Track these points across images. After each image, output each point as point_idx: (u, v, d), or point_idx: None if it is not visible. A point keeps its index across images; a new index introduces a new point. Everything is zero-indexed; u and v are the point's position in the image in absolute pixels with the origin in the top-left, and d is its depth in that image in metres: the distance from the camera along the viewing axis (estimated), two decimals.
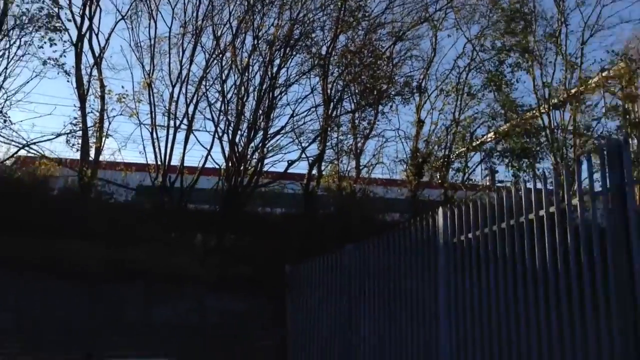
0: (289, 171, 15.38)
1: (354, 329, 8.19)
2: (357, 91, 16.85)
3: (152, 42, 14.99)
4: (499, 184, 18.24)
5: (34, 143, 13.75)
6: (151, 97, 14.48)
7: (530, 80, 18.29)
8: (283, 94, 15.29)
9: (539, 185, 5.52)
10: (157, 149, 14.15)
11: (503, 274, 5.66)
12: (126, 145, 22.49)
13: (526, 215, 5.52)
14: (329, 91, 16.03)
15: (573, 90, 17.31)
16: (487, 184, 19.46)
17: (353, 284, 8.34)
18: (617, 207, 4.67)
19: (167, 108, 14.46)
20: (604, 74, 17.77)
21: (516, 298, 5.47)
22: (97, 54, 14.90)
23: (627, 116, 17.31)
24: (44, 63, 14.07)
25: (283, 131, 14.85)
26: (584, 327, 4.72)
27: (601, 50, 23.30)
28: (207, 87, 14.64)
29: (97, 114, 14.56)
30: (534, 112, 17.72)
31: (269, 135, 14.64)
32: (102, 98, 14.59)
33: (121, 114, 14.68)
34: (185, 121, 14.29)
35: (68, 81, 14.36)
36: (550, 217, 5.29)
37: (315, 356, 9.23)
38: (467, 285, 6.13)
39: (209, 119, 14.68)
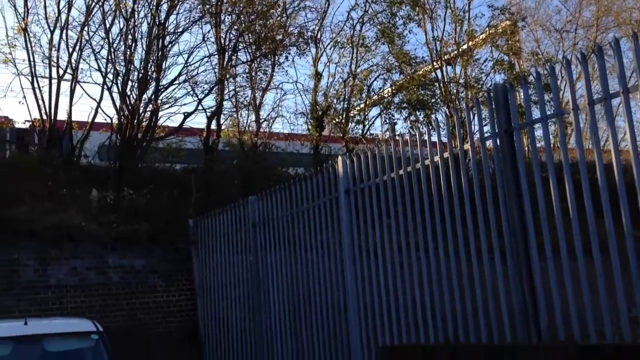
0: (187, 125, 14.99)
1: (262, 278, 8.29)
2: (251, 41, 16.57)
3: None
4: (396, 136, 18.87)
5: None
6: (28, 42, 13.40)
7: (422, 33, 18.88)
8: (174, 43, 14.76)
9: (434, 136, 5.72)
10: (40, 101, 13.25)
11: (403, 218, 5.91)
12: (5, 95, 20.72)
13: (422, 162, 5.75)
14: (222, 40, 15.66)
15: (463, 45, 18.04)
16: (387, 136, 20.10)
17: (259, 234, 8.39)
18: (506, 151, 4.94)
19: (46, 55, 13.49)
20: (490, 31, 18.63)
21: (417, 241, 5.75)
22: None
23: (512, 69, 18.34)
24: None
25: (177, 81, 14.38)
26: (481, 268, 5.03)
27: (486, 5, 24.34)
28: (91, 34, 13.80)
29: None
30: (427, 65, 18.34)
31: (161, 86, 14.11)
32: None
33: None
34: (69, 70, 13.45)
35: None
36: (444, 163, 5.55)
37: (226, 308, 9.27)
38: (369, 230, 6.36)
39: (95, 69, 13.88)
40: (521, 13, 19.73)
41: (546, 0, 24.70)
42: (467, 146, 5.40)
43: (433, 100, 17.79)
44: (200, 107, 15.13)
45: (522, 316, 4.60)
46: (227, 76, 15.79)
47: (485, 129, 5.81)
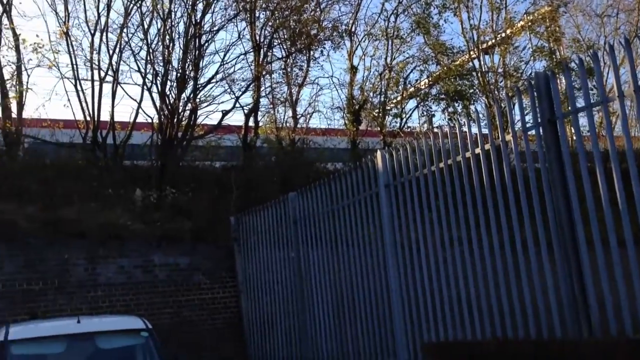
0: (225, 123, 15.17)
1: (305, 274, 8.34)
2: (286, 37, 16.66)
3: None
4: (435, 128, 18.67)
5: None
6: (70, 46, 13.74)
7: (458, 22, 18.63)
8: (210, 41, 14.93)
9: (474, 127, 5.65)
10: (83, 103, 13.60)
11: (445, 212, 5.85)
12: (50, 99, 21.39)
13: (463, 155, 5.68)
14: (257, 37, 15.79)
15: (501, 34, 17.72)
16: (425, 129, 19.91)
17: (300, 230, 8.44)
18: (550, 141, 4.83)
19: (87, 58, 13.82)
20: (529, 17, 18.24)
21: (459, 235, 5.68)
22: (5, 1, 13.81)
23: (553, 56, 17.92)
24: None
25: (214, 80, 14.56)
26: (528, 262, 4.95)
27: None
28: (130, 36, 14.08)
29: (14, 66, 13.71)
30: (464, 55, 18.09)
31: (199, 85, 14.31)
32: (17, 48, 13.70)
33: (39, 66, 13.92)
34: (110, 72, 13.74)
35: None
36: (485, 154, 5.47)
37: (269, 304, 9.36)
38: (411, 224, 6.32)
39: (135, 70, 14.17)
40: None
41: None
42: (508, 137, 5.31)
43: (471, 90, 17.54)
44: (237, 105, 15.33)
45: (571, 310, 4.51)
46: (264, 73, 15.91)
47: (527, 118, 5.74)
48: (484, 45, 18.14)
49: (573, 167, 4.67)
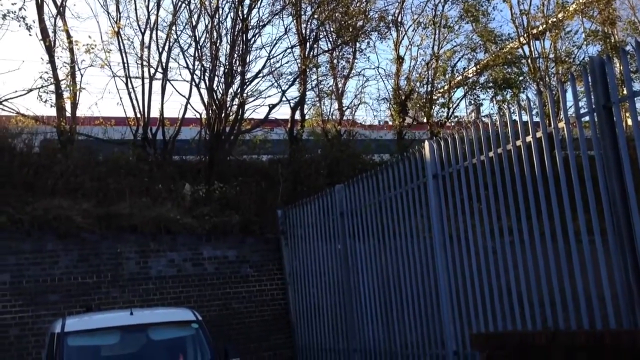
0: (272, 116, 15.24)
1: (352, 266, 8.32)
2: (332, 29, 16.60)
3: None
4: (484, 117, 18.29)
5: (6, 100, 13.30)
6: (121, 45, 14.02)
7: (507, 8, 18.15)
8: (257, 36, 14.98)
9: (525, 115, 5.49)
10: (134, 101, 13.89)
11: (494, 202, 5.72)
12: (102, 97, 21.98)
13: (513, 143, 5.53)
14: (303, 31, 15.78)
15: (552, 18, 17.17)
16: (473, 118, 19.51)
17: (347, 222, 8.42)
18: (605, 128, 4.66)
19: (139, 55, 14.08)
20: (581, 0, 17.63)
21: (510, 225, 5.55)
22: (59, 3, 14.21)
23: (607, 40, 17.26)
24: (4, 17, 13.36)
25: (261, 74, 14.61)
26: (581, 252, 4.78)
27: None
28: (179, 33, 14.29)
29: (68, 67, 14.08)
30: (514, 42, 17.63)
31: (246, 80, 14.39)
32: (71, 50, 14.07)
33: (92, 65, 14.25)
34: (159, 69, 13.97)
35: (30, 35, 13.67)
36: (537, 143, 5.31)
37: (316, 296, 9.40)
38: (459, 215, 6.21)
39: (184, 67, 14.35)
40: None
41: None
42: (561, 124, 5.14)
43: (521, 78, 17.07)
44: (284, 98, 15.36)
45: (626, 300, 4.34)
46: (310, 66, 15.90)
47: (579, 104, 5.52)
48: (535, 31, 17.63)
49: (629, 153, 4.49)
